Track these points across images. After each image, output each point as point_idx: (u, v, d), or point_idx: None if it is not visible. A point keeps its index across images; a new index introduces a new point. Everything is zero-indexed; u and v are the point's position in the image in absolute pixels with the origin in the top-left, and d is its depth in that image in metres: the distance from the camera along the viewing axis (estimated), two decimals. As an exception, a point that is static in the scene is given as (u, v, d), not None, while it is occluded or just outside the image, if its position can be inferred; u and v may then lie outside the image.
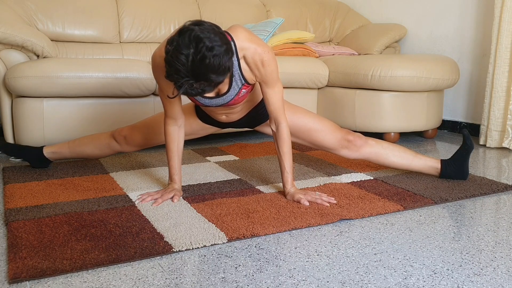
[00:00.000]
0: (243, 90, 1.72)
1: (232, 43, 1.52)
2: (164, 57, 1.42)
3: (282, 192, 1.88)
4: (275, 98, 1.76)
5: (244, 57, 1.65)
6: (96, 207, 1.72)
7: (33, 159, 2.23)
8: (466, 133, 2.02)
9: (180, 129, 1.83)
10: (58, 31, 2.99)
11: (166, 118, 1.80)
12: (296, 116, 1.96)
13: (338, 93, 3.10)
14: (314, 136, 1.98)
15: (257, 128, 2.04)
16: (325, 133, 1.98)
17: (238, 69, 1.65)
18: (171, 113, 1.78)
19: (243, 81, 1.69)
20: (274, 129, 1.82)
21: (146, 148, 2.19)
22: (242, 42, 1.62)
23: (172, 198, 1.80)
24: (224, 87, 1.68)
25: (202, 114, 1.98)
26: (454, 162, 2.06)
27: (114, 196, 1.86)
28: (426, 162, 2.09)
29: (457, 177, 2.08)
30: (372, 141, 2.05)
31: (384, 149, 2.05)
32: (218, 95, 1.71)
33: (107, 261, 1.30)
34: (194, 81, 1.40)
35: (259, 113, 1.94)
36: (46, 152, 2.22)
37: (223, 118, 1.91)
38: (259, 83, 1.73)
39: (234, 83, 1.68)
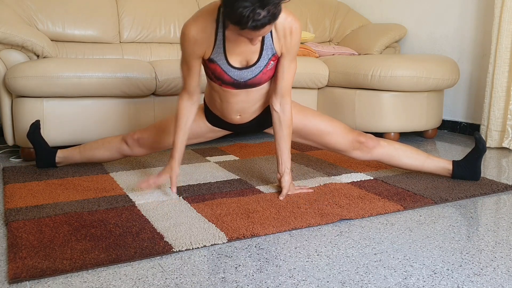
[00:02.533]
0: (271, 62, 1.73)
1: None
2: (223, 2, 1.42)
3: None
4: (290, 74, 1.77)
5: (275, 24, 1.66)
6: (96, 207, 1.72)
7: (43, 157, 2.22)
8: (478, 136, 2.00)
9: (193, 106, 1.83)
10: (58, 31, 2.99)
11: (183, 92, 1.82)
12: (307, 118, 1.95)
13: (338, 93, 3.10)
14: (326, 139, 1.98)
15: (267, 130, 2.03)
16: (336, 135, 1.97)
17: (270, 36, 1.67)
18: (189, 86, 1.79)
19: (274, 51, 1.70)
20: (278, 109, 1.81)
21: (157, 151, 2.18)
22: None
23: (171, 183, 1.84)
24: (254, 56, 1.69)
25: (212, 117, 1.96)
26: (466, 163, 2.06)
27: (114, 196, 1.87)
28: (438, 163, 2.08)
29: (469, 178, 2.08)
30: (384, 142, 2.04)
31: (396, 150, 2.05)
32: (247, 66, 1.71)
33: (107, 261, 1.30)
34: (262, 8, 1.39)
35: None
36: (58, 156, 2.23)
37: (237, 118, 1.89)
38: (280, 57, 1.74)
39: (264, 52, 1.69)
